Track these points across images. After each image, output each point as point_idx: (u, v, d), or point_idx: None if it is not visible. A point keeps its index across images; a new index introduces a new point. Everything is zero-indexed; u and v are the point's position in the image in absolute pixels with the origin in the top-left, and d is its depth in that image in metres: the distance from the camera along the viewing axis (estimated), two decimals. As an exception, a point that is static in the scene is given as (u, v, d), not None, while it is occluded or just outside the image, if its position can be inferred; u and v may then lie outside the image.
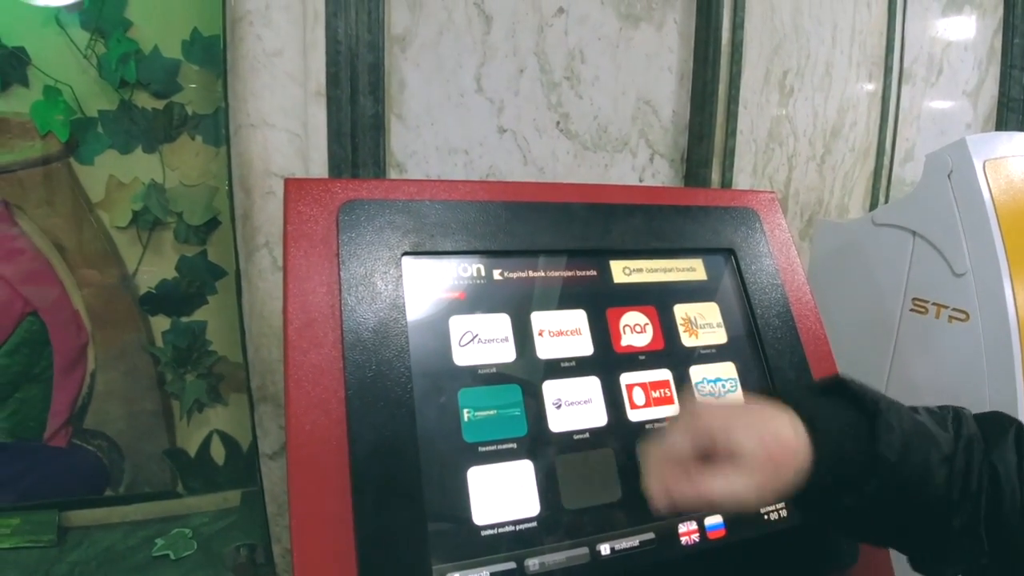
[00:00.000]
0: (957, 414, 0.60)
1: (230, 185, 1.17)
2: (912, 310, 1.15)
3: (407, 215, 0.69)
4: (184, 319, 1.37)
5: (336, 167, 1.13)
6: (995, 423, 0.60)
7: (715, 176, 1.51)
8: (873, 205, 1.93)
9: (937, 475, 0.54)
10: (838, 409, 0.57)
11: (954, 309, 1.09)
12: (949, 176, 1.09)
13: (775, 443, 0.52)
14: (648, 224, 0.81)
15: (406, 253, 0.67)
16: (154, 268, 1.34)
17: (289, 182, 0.69)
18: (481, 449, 0.63)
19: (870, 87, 1.85)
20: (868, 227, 1.21)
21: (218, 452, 1.44)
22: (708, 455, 0.52)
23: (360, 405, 0.58)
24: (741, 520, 0.72)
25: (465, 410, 0.63)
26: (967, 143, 1.09)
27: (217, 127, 1.31)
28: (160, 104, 1.28)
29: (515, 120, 1.32)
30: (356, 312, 0.62)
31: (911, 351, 1.17)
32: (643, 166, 1.48)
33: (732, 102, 1.50)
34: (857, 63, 1.80)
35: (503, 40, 1.27)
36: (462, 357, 0.66)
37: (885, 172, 1.90)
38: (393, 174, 1.21)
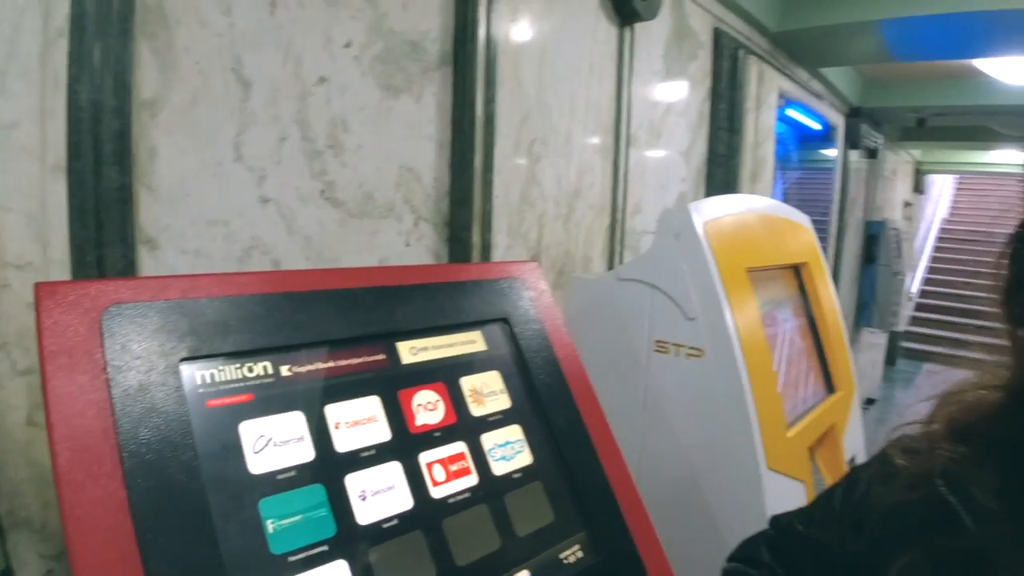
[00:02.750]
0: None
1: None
2: (656, 351, 1.33)
3: (181, 316, 0.65)
4: None
5: (79, 249, 1.02)
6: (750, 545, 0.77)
7: (476, 238, 1.61)
8: (611, 254, 2.17)
9: None
10: None
11: (690, 347, 1.27)
12: (677, 237, 1.28)
13: None
14: (429, 302, 0.85)
15: (184, 359, 0.63)
16: None
17: (41, 287, 0.62)
18: (291, 559, 0.61)
19: (603, 151, 2.10)
20: (614, 282, 1.37)
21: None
22: None
23: (153, 537, 0.54)
24: (548, 569, 0.77)
25: (268, 521, 0.61)
26: (689, 209, 1.29)
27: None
28: None
29: (278, 189, 1.29)
30: (134, 433, 0.57)
31: (659, 386, 1.34)
32: (408, 231, 1.53)
33: (487, 169, 1.61)
34: (592, 131, 2.03)
35: (263, 107, 1.24)
36: (258, 464, 0.63)
37: (619, 224, 2.16)
38: (144, 251, 1.11)
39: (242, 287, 0.71)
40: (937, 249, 12.02)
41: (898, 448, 0.58)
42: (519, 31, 1.73)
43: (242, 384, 0.66)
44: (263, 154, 1.26)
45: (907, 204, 8.64)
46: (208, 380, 0.64)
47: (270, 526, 0.61)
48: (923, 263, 11.19)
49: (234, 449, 0.63)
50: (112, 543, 0.54)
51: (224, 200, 1.21)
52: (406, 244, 1.51)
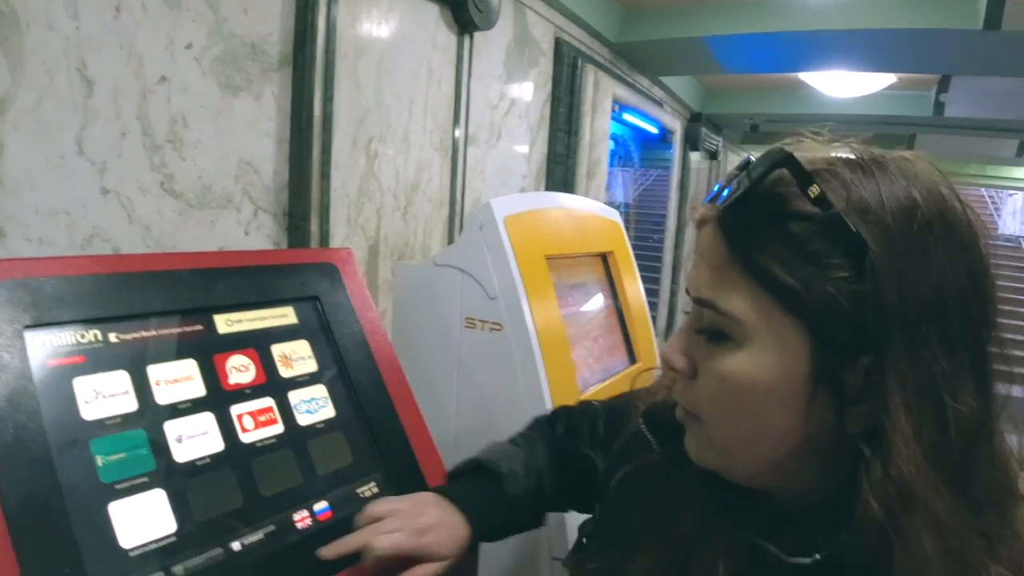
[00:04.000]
0: (540, 421, 1.05)
1: None
2: (466, 326, 1.55)
3: (24, 292, 0.79)
4: None
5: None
6: (560, 412, 1.05)
7: (314, 228, 1.76)
8: (450, 244, 2.39)
9: (544, 476, 0.95)
10: (473, 483, 0.93)
11: (492, 323, 1.50)
12: (481, 228, 1.50)
13: (456, 541, 0.85)
14: (247, 282, 1.01)
15: (27, 326, 0.77)
16: None
17: None
18: (118, 487, 0.76)
19: (441, 149, 2.30)
20: (431, 267, 1.58)
21: None
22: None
23: (5, 466, 0.68)
24: (345, 501, 0.95)
25: (98, 457, 0.76)
26: (491, 206, 1.51)
27: None
28: None
29: (118, 181, 1.39)
30: None
31: (469, 358, 1.57)
32: (248, 220, 1.66)
33: (325, 164, 1.77)
34: (430, 131, 2.22)
35: (105, 105, 1.34)
36: (89, 413, 0.78)
37: (457, 217, 2.37)
38: (-10, 239, 1.20)
39: (79, 268, 0.85)
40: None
41: (636, 398, 0.83)
42: (358, 36, 1.89)
43: (76, 347, 0.80)
44: (104, 148, 1.36)
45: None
46: (48, 344, 0.78)
47: (99, 461, 0.76)
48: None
49: (69, 400, 0.77)
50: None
51: (67, 192, 1.31)
52: (245, 233, 1.65)
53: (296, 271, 1.09)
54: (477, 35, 2.39)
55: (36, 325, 0.78)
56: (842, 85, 4.75)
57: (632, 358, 2.10)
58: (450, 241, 2.37)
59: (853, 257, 0.49)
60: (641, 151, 6.56)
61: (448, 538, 0.84)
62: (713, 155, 6.22)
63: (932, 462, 0.48)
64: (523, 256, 1.50)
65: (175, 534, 0.79)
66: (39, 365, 0.77)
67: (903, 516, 0.48)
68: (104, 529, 0.74)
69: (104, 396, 0.80)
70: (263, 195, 1.68)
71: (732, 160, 7.81)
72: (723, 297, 0.54)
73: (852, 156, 0.54)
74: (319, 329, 1.08)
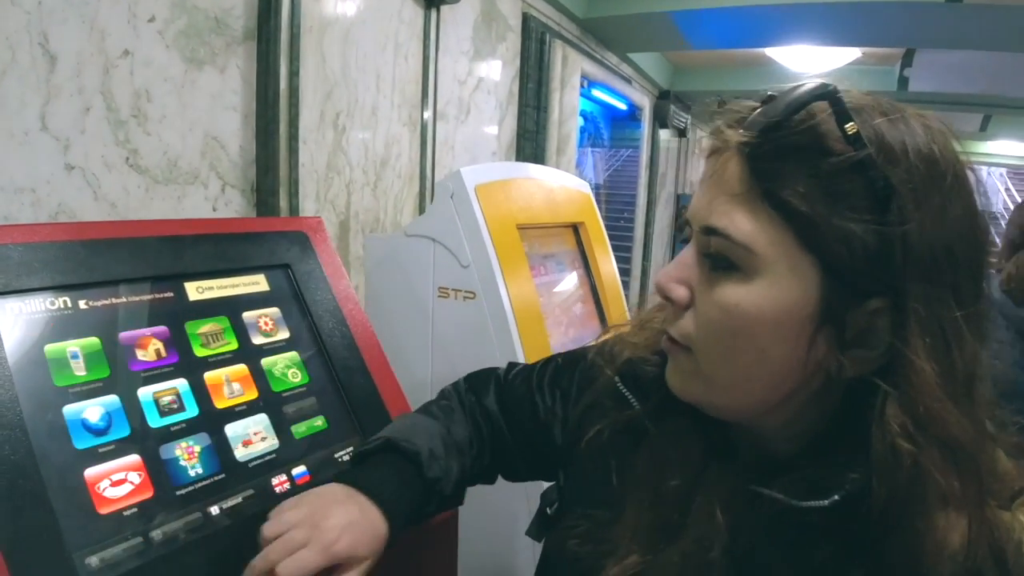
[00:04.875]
0: (459, 392, 0.91)
1: None
2: (439, 296, 1.56)
3: (-10, 258, 0.78)
4: None
5: None
6: (482, 378, 0.92)
7: (283, 203, 1.76)
8: (422, 218, 2.39)
9: (470, 454, 0.84)
10: (387, 467, 0.78)
11: (466, 291, 1.51)
12: (452, 197, 1.50)
13: (375, 531, 0.71)
14: (216, 249, 1.01)
15: (-2, 293, 0.77)
16: None
17: None
18: (92, 452, 0.76)
19: (410, 125, 2.29)
20: (402, 238, 1.58)
21: None
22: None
23: None
24: (324, 465, 0.96)
25: (71, 422, 0.76)
26: (462, 174, 1.52)
27: None
28: None
29: (83, 157, 1.37)
30: None
31: (443, 328, 1.58)
32: (216, 196, 1.65)
33: (293, 139, 1.76)
34: (398, 106, 2.22)
35: (68, 80, 1.32)
36: (62, 379, 0.78)
37: (428, 192, 2.37)
38: (-50, 216, 1.18)
39: (46, 235, 0.84)
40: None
41: (599, 354, 0.77)
42: (323, 9, 1.87)
43: (46, 315, 0.80)
44: (68, 124, 1.34)
45: (717, 177, 9.52)
46: (17, 311, 0.78)
47: (72, 427, 0.76)
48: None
49: (42, 366, 0.77)
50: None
51: (30, 168, 1.29)
52: (213, 209, 1.64)
53: (266, 239, 1.09)
54: (444, 9, 2.38)
55: (5, 292, 0.77)
56: (808, 60, 4.80)
57: (604, 325, 2.13)
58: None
59: (878, 200, 0.49)
60: (611, 130, 6.59)
61: (364, 536, 0.70)
62: (682, 132, 6.27)
63: (948, 402, 0.50)
64: (495, 225, 1.51)
65: (153, 500, 0.79)
66: (9, 333, 0.76)
67: (926, 449, 0.49)
68: (80, 496, 0.74)
69: (76, 363, 0.80)
70: (230, 170, 1.67)
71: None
72: (738, 227, 0.53)
73: (877, 102, 0.53)
74: (291, 296, 1.08)
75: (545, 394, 0.84)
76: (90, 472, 0.76)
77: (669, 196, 6.61)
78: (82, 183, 1.38)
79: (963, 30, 3.41)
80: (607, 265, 2.18)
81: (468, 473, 0.85)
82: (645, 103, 4.77)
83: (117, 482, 0.77)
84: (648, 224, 5.54)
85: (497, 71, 2.88)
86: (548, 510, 0.79)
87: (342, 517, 0.70)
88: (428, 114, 2.32)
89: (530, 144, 3.11)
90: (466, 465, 0.84)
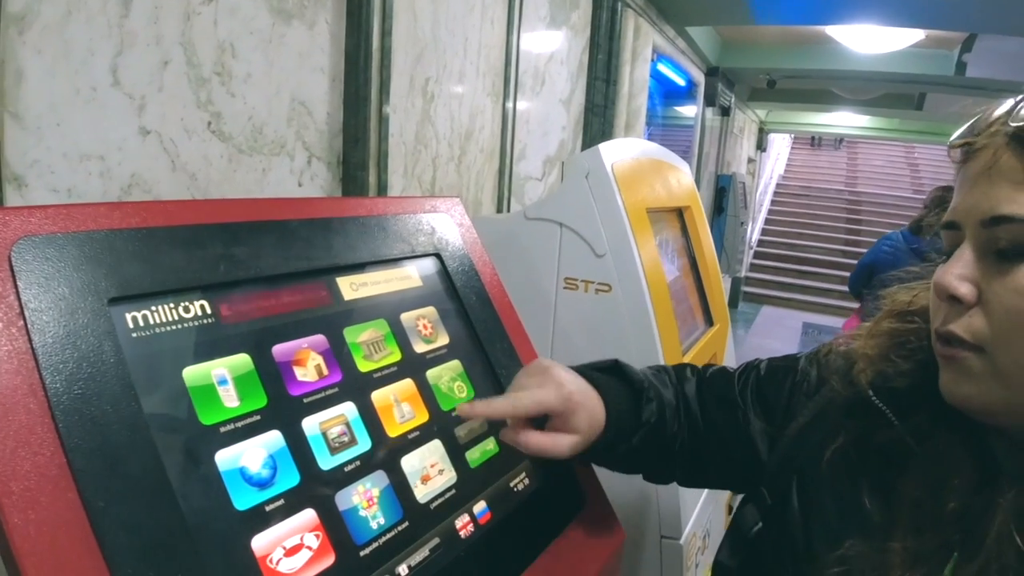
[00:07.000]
0: (667, 370, 0.89)
1: None
2: (565, 288, 1.35)
3: (104, 250, 0.56)
4: None
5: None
6: (676, 366, 0.91)
7: (372, 179, 1.54)
8: (499, 199, 2.17)
9: (670, 423, 0.81)
10: (615, 385, 0.80)
11: (599, 283, 1.31)
12: (587, 177, 1.29)
13: (594, 415, 0.75)
14: (363, 236, 0.80)
15: (113, 300, 0.55)
16: None
17: (-73, 218, 0.52)
18: (258, 512, 0.56)
19: (493, 95, 2.07)
20: (522, 221, 1.37)
21: None
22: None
23: (106, 513, 0.47)
24: (502, 499, 0.78)
25: (226, 474, 0.56)
26: (599, 150, 1.30)
27: None
28: None
29: (160, 120, 1.16)
30: (65, 390, 0.49)
31: (568, 322, 1.37)
32: (301, 170, 1.44)
33: (383, 106, 1.54)
34: (483, 74, 1.99)
35: (144, 26, 1.10)
36: (210, 415, 0.57)
37: (507, 170, 2.15)
38: (10, 190, 0.97)
39: (165, 217, 0.63)
40: (773, 203, 13.12)
41: (829, 357, 0.74)
42: (413, -39, 1.65)
43: (180, 327, 0.59)
44: (143, 79, 1.13)
45: (751, 160, 9.29)
46: (142, 323, 0.57)
47: (230, 481, 0.56)
48: (762, 215, 12.17)
49: (182, 399, 0.56)
50: (60, 521, 0.46)
51: (99, 131, 1.08)
52: (299, 184, 1.43)
53: (408, 223, 0.88)
54: (525, -31, 2.15)
55: (125, 297, 0.56)
56: (870, 40, 4.56)
57: (709, 320, 1.92)
58: (499, 197, 2.16)
59: None
60: (652, 105, 6.34)
61: (586, 410, 0.75)
62: (726, 111, 6.01)
63: None
64: (631, 208, 1.30)
65: (335, 568, 0.59)
66: (135, 354, 0.54)
67: None
68: (249, 570, 0.54)
69: (225, 390, 0.59)
70: (317, 141, 1.45)
71: (739, 118, 7.60)
72: None
73: None
74: (444, 293, 0.88)
75: (748, 404, 0.81)
76: (259, 541, 0.55)
77: (711, 176, 6.37)
78: (158, 150, 1.17)
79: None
80: (711, 252, 1.97)
81: (664, 436, 0.81)
82: (700, 79, 4.52)
83: (292, 550, 0.57)
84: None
85: (569, 40, 2.65)
86: (749, 531, 0.73)
87: (577, 383, 0.76)
88: (511, 84, 2.10)
89: (598, 120, 2.88)
90: (659, 438, 0.81)
